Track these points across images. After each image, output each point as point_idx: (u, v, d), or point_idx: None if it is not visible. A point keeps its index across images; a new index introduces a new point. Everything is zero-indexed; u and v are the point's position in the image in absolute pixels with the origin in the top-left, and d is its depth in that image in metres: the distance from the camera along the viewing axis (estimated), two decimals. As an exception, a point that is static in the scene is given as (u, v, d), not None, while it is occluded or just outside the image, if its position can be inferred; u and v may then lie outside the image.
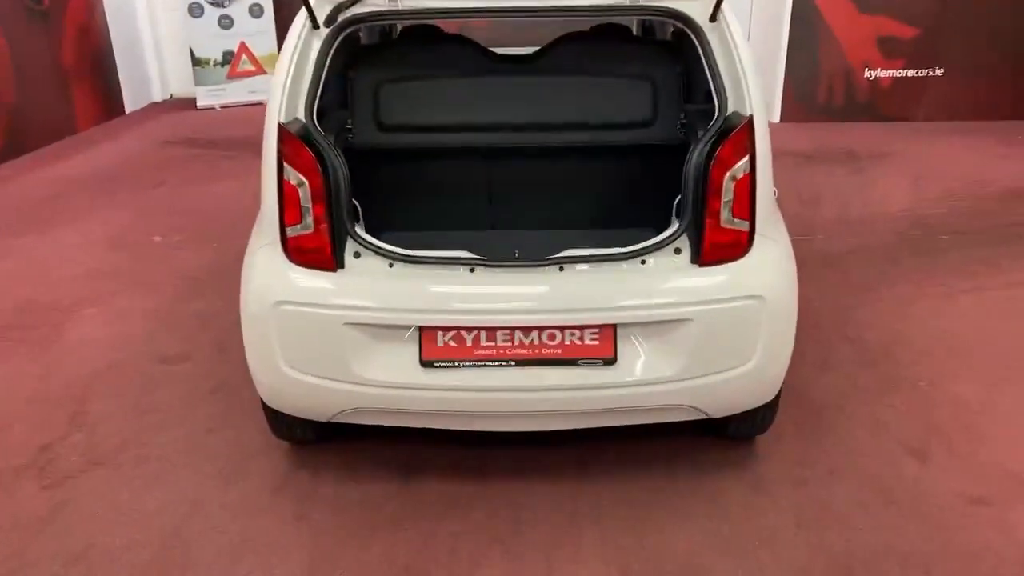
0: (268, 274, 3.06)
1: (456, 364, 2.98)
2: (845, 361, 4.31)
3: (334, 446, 3.63)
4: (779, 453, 3.58)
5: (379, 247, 3.01)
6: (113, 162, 8.53)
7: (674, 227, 3.04)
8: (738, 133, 2.92)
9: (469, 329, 2.97)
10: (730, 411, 3.20)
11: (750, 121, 2.94)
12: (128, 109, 10.57)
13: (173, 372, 4.31)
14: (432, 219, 3.72)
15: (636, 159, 3.57)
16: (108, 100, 10.20)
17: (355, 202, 3.51)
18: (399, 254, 3.00)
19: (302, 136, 2.96)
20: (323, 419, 3.19)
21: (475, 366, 2.98)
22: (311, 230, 2.99)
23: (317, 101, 3.07)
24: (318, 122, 3.09)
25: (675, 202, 3.58)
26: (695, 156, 2.98)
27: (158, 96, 11.26)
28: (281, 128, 2.93)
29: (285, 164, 2.94)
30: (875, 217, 6.60)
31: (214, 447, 3.69)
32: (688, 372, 2.99)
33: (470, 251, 3.30)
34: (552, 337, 2.99)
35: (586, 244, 3.53)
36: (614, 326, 2.97)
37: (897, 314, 4.86)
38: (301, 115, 3.03)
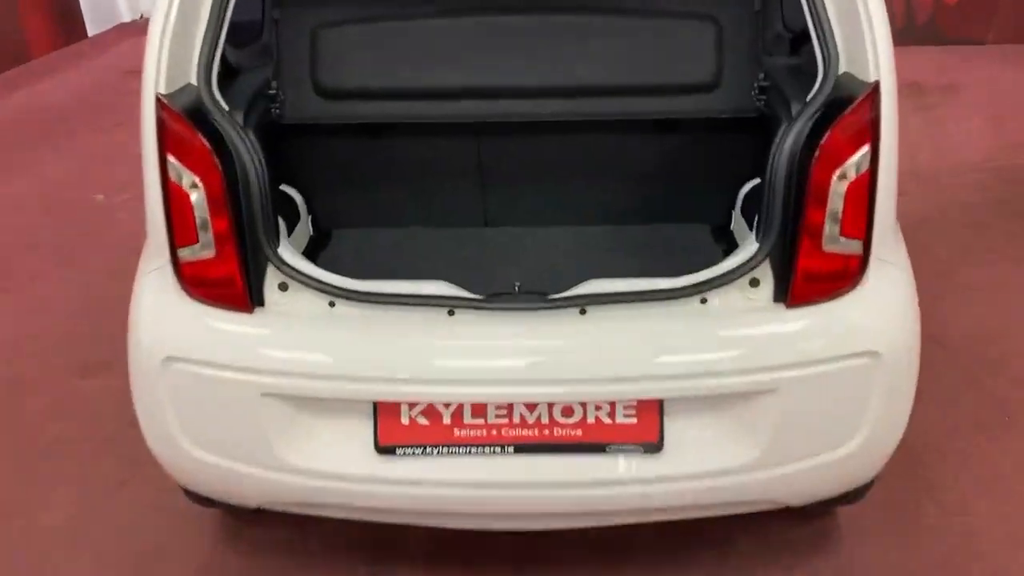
0: (155, 316, 2.11)
1: (427, 450, 2.06)
2: (936, 379, 3.32)
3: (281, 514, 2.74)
4: (870, 529, 2.66)
5: (314, 279, 2.04)
6: (66, 97, 7.47)
7: (750, 249, 2.04)
8: (856, 109, 1.90)
9: (447, 402, 2.02)
10: (818, 499, 2.27)
11: (875, 90, 1.92)
12: (90, 32, 9.39)
13: (87, 390, 3.40)
14: (404, 213, 2.74)
15: (688, 136, 2.55)
16: (66, 21, 9.01)
17: (296, 197, 2.54)
18: (343, 289, 2.04)
19: (193, 113, 1.96)
20: (246, 507, 2.29)
21: (455, 454, 2.05)
22: (212, 253, 2.02)
23: (218, 58, 2.05)
24: (222, 90, 2.09)
25: (740, 194, 2.57)
26: (788, 142, 1.97)
27: (127, 16, 10.02)
28: (161, 103, 1.93)
29: (169, 157, 1.96)
30: (952, 169, 5.49)
31: (124, 512, 2.80)
32: (766, 460, 2.06)
33: (453, 272, 2.36)
34: (569, 412, 2.05)
35: (615, 249, 2.57)
36: (660, 400, 2.02)
37: (992, 304, 3.84)
38: (194, 79, 2.02)
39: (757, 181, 2.53)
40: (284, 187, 2.59)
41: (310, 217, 2.71)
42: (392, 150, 2.58)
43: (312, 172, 2.62)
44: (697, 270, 2.45)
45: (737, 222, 2.60)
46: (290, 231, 2.47)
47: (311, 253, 2.63)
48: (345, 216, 2.74)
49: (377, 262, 2.55)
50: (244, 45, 2.51)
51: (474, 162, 2.61)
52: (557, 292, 2.14)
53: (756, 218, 2.35)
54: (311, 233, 2.70)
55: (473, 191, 2.67)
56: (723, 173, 2.59)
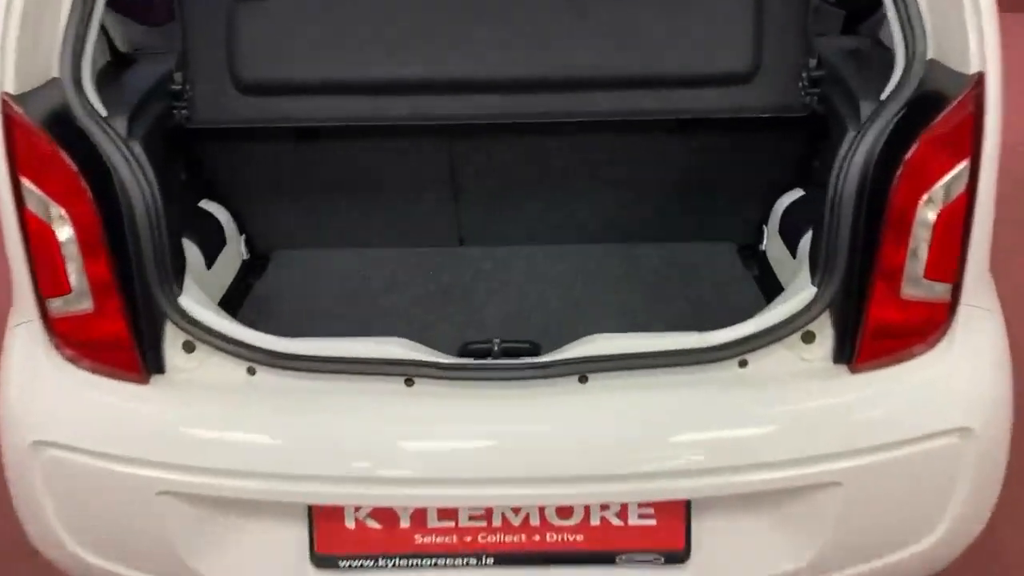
0: (22, 385, 1.60)
1: (379, 562, 1.57)
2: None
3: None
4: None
5: (226, 337, 1.54)
6: None
7: (804, 295, 1.55)
8: (953, 112, 1.41)
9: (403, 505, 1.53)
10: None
11: (978, 85, 1.42)
12: None
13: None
14: (358, 231, 2.23)
15: (712, 138, 2.04)
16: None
17: (221, 215, 2.04)
18: (266, 352, 1.54)
19: (55, 121, 1.45)
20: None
21: (416, 566, 1.57)
22: (90, 305, 1.52)
23: (92, 41, 1.53)
24: (106, 85, 1.57)
25: (776, 208, 2.08)
26: (860, 154, 1.47)
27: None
28: (7, 106, 1.41)
29: (24, 181, 1.45)
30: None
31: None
32: (819, 567, 1.58)
33: (416, 310, 1.87)
34: (566, 514, 1.56)
35: (621, 277, 2.08)
36: (686, 501, 1.53)
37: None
38: (56, 72, 1.50)
39: (798, 193, 2.03)
40: (206, 203, 2.08)
41: (243, 237, 2.20)
42: (341, 157, 2.07)
43: (241, 184, 2.11)
44: (727, 302, 2.03)
45: (771, 240, 2.10)
46: (213, 259, 1.96)
47: (243, 283, 2.12)
48: (286, 236, 2.23)
49: (321, 296, 2.05)
50: (155, 23, 1.98)
51: (445, 170, 2.10)
52: (549, 345, 1.65)
53: (802, 244, 1.86)
54: (244, 257, 2.20)
55: (444, 204, 2.17)
56: (755, 182, 2.09)
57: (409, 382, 1.53)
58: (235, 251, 2.15)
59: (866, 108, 1.50)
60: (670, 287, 2.06)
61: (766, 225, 2.17)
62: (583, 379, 1.53)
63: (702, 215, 2.18)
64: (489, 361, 1.55)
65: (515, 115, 1.87)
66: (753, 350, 1.53)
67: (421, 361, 1.53)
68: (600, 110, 1.85)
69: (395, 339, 1.60)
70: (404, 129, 1.94)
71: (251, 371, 1.56)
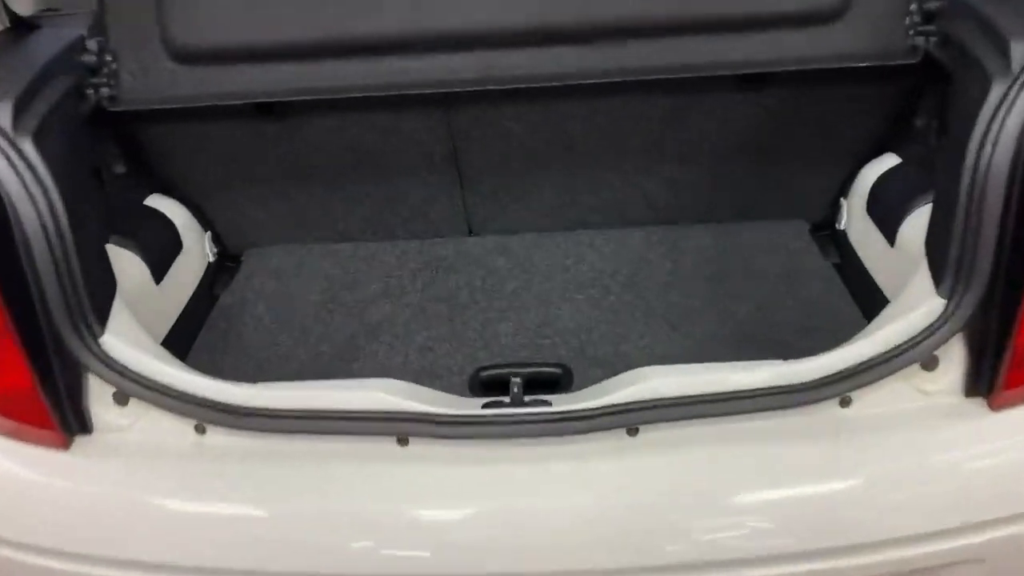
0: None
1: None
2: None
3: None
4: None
5: (164, 388, 1.18)
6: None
7: (927, 307, 1.15)
8: None
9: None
10: None
11: None
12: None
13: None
14: (346, 222, 1.83)
15: (781, 93, 1.59)
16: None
17: (174, 213, 1.69)
18: (216, 405, 1.18)
19: None
20: None
21: None
22: (-21, 351, 1.16)
23: None
24: None
25: (862, 180, 1.68)
26: (1012, 114, 1.05)
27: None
28: None
29: None
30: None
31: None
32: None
33: (414, 327, 1.53)
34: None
35: (666, 270, 1.70)
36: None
37: None
38: None
39: (891, 160, 1.61)
40: (156, 199, 1.70)
41: (209, 235, 1.83)
42: (317, 135, 1.67)
43: (199, 173, 1.73)
44: (805, 300, 1.60)
45: (852, 219, 1.70)
46: (164, 270, 1.59)
47: (207, 294, 1.75)
48: (259, 231, 1.85)
49: (298, 307, 1.68)
50: None
51: (444, 146, 1.70)
52: (582, 370, 1.29)
53: (904, 229, 1.45)
54: (211, 259, 1.83)
55: (446, 187, 1.77)
56: (833, 146, 1.67)
57: (403, 441, 1.17)
58: (197, 254, 1.77)
59: (1021, 51, 1.08)
60: (731, 282, 1.66)
61: (844, 199, 1.75)
62: (632, 431, 1.16)
63: (765, 188, 1.76)
64: (506, 412, 1.17)
65: (529, 76, 1.45)
66: (859, 386, 1.14)
67: (417, 414, 1.16)
68: (641, 66, 1.43)
69: (383, 382, 1.23)
70: (390, 99, 1.54)
71: (200, 429, 1.20)
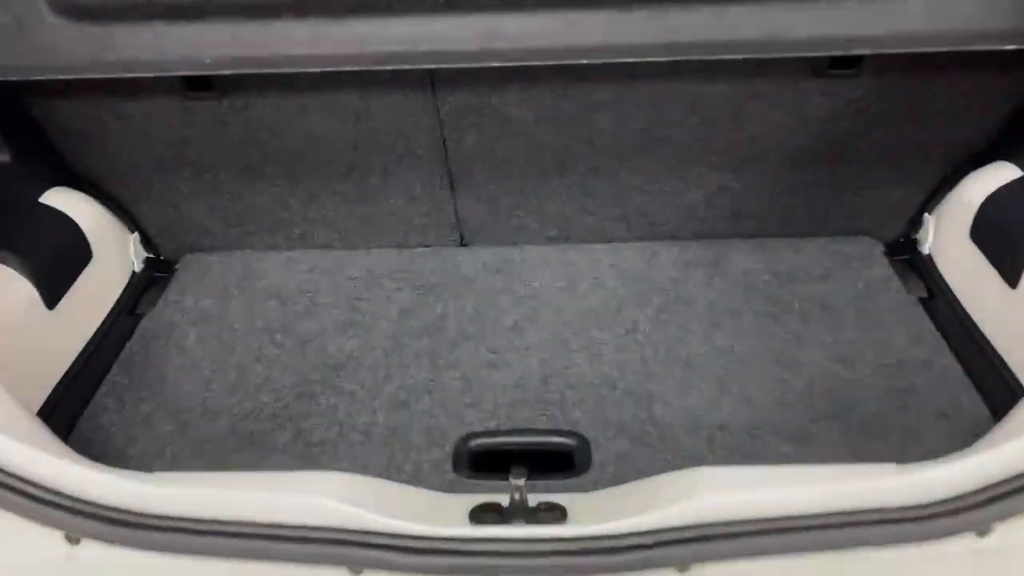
0: None
1: None
2: None
3: None
4: None
5: (19, 483, 0.82)
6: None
7: None
8: None
9: None
10: None
11: None
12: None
13: None
14: (307, 225, 1.47)
15: (866, 81, 1.22)
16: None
17: (82, 211, 1.33)
18: (94, 509, 0.82)
19: None
20: None
21: None
22: None
23: None
24: None
25: (964, 192, 1.32)
26: None
27: None
28: None
29: None
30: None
31: None
32: None
33: (379, 405, 1.18)
34: None
35: (704, 301, 1.36)
36: None
37: None
38: None
39: (1007, 171, 1.25)
40: (60, 193, 1.33)
41: (135, 237, 1.47)
42: (271, 117, 1.29)
43: (118, 159, 1.35)
44: (890, 351, 1.22)
45: (943, 241, 1.34)
46: (62, 288, 1.22)
47: (125, 320, 1.39)
48: (199, 233, 1.48)
49: (238, 340, 1.32)
50: None
51: (430, 135, 1.33)
52: (603, 438, 0.99)
53: None
54: (137, 268, 1.46)
55: (431, 186, 1.40)
56: (930, 149, 1.31)
57: (356, 572, 0.82)
58: (114, 265, 1.41)
59: None
60: (791, 321, 1.30)
61: (929, 214, 1.40)
62: (683, 568, 0.81)
63: (831, 196, 1.40)
64: (503, 534, 0.83)
65: (542, 51, 1.08)
66: (1018, 513, 0.80)
67: (378, 534, 0.81)
68: (691, 41, 1.06)
69: (332, 478, 0.88)
70: (361, 75, 1.17)
71: (72, 540, 0.85)
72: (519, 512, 0.86)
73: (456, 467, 1.10)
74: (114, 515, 0.84)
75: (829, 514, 0.82)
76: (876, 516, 0.81)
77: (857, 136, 1.29)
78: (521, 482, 0.87)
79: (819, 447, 1.11)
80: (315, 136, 1.32)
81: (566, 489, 1.06)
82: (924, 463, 0.86)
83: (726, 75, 1.20)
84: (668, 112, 1.25)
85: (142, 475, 0.89)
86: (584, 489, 1.06)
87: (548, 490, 1.06)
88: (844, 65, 1.18)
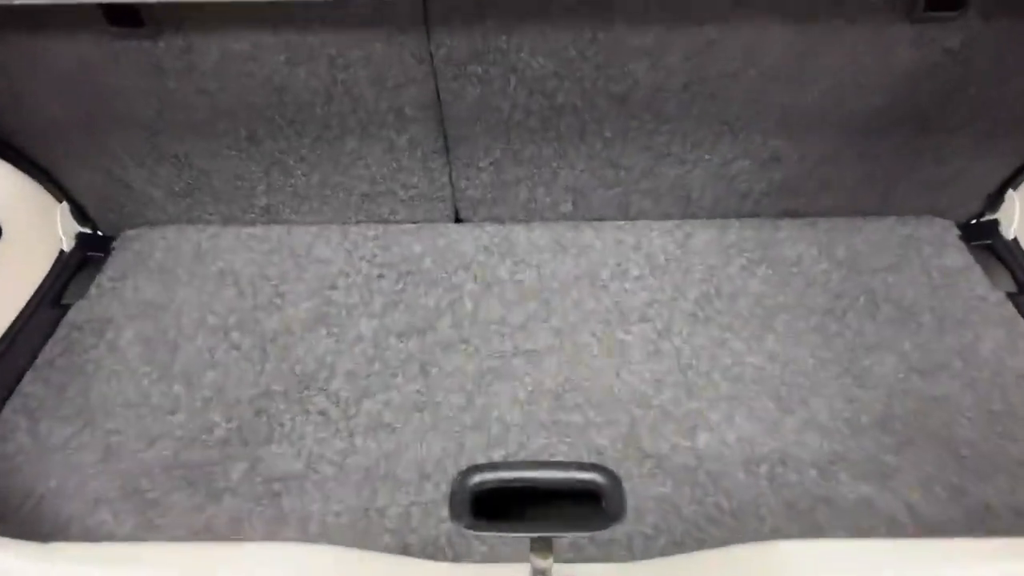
0: None
1: None
2: None
3: None
4: None
5: None
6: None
7: None
8: None
9: None
10: None
11: None
12: None
13: None
14: (272, 196, 1.22)
15: (993, 22, 0.99)
16: None
17: None
18: None
19: None
20: None
21: None
22: None
23: None
24: None
25: None
26: None
27: None
28: None
29: None
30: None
31: None
32: None
33: (357, 429, 0.94)
34: None
35: (754, 285, 1.12)
36: None
37: None
38: None
39: None
40: None
41: (65, 208, 1.21)
42: (222, 63, 1.04)
43: (29, 112, 1.10)
44: (978, 361, 0.99)
45: None
46: None
47: (48, 311, 1.14)
48: (141, 203, 1.23)
49: (186, 336, 1.07)
50: None
51: (421, 88, 1.08)
52: (636, 473, 0.81)
53: None
54: (66, 245, 1.21)
55: (422, 149, 1.15)
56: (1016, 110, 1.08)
57: None
58: (33, 243, 1.15)
59: None
60: (856, 320, 1.08)
61: (1014, 190, 1.17)
62: None
63: (901, 169, 1.17)
64: None
65: None
66: None
67: None
68: None
69: (295, 553, 0.65)
70: (334, 10, 0.91)
71: None
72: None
73: (454, 512, 0.87)
74: None
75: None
76: None
77: (948, 95, 1.05)
78: (548, 563, 0.64)
79: (905, 485, 0.89)
80: (276, 87, 1.06)
81: (594, 543, 0.84)
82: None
83: (796, 18, 0.95)
84: (720, 63, 1.00)
85: (32, 548, 0.66)
86: (617, 545, 0.84)
87: (572, 546, 0.84)
88: (945, 6, 0.94)
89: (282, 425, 0.97)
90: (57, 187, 1.21)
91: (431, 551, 0.84)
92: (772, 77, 1.02)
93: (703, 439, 0.94)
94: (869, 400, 0.98)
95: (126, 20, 0.97)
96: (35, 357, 1.07)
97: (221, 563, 0.65)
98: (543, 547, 0.66)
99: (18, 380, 1.04)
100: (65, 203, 1.24)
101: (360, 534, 0.86)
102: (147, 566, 0.64)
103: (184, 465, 0.93)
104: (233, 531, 0.86)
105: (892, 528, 0.85)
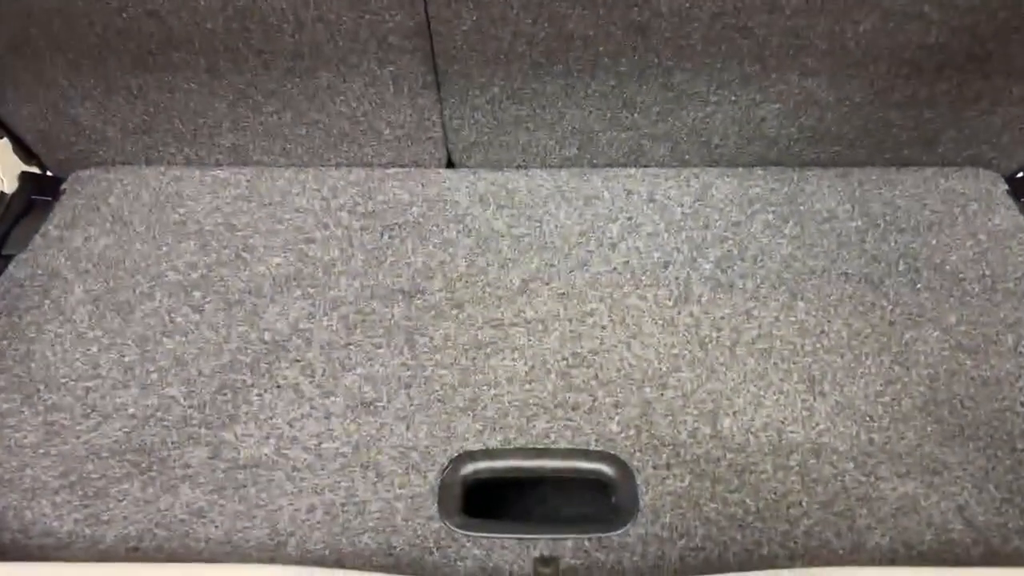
0: None
1: None
2: None
3: None
4: None
5: None
6: None
7: None
8: None
9: None
10: None
11: None
12: None
13: None
14: (239, 134, 1.09)
15: None
16: None
17: None
18: None
19: None
20: None
21: None
22: None
23: None
24: None
25: None
26: None
27: None
28: None
29: None
30: None
31: None
32: None
33: (339, 414, 0.82)
34: None
35: (781, 242, 1.00)
36: None
37: None
38: None
39: None
40: None
41: (4, 143, 1.07)
42: None
43: None
44: None
45: None
46: None
47: None
48: (93, 140, 1.09)
49: (142, 294, 0.95)
50: None
51: (407, 13, 0.93)
52: (649, 483, 0.73)
53: None
54: (6, 187, 1.07)
55: (409, 84, 1.01)
56: None
57: None
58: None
59: None
60: (896, 286, 0.96)
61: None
62: None
63: (944, 116, 1.03)
64: None
65: None
66: None
67: None
68: None
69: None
70: None
71: None
72: None
73: (443, 509, 0.77)
74: None
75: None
76: None
77: (1012, 32, 0.91)
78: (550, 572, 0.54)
79: (954, 484, 0.79)
80: (239, 10, 0.91)
81: (603, 547, 0.74)
82: None
83: None
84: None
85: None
86: (628, 549, 0.74)
87: (576, 549, 0.74)
88: None
89: (249, 403, 0.85)
90: None
91: (417, 553, 0.74)
92: (815, 9, 0.88)
93: (726, 425, 0.83)
94: (911, 382, 0.87)
95: None
96: None
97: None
98: (549, 565, 0.55)
99: None
100: (6, 139, 1.09)
101: (336, 533, 0.75)
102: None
103: (137, 449, 0.82)
104: (191, 528, 0.76)
105: (940, 533, 0.76)
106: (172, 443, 0.82)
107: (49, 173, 1.16)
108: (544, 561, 0.60)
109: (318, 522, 0.76)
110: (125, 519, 0.76)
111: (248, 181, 1.10)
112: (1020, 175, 1.14)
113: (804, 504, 0.77)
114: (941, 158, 1.11)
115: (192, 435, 0.83)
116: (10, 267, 1.01)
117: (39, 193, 1.12)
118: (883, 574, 0.60)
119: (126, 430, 0.83)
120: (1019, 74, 0.99)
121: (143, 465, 0.80)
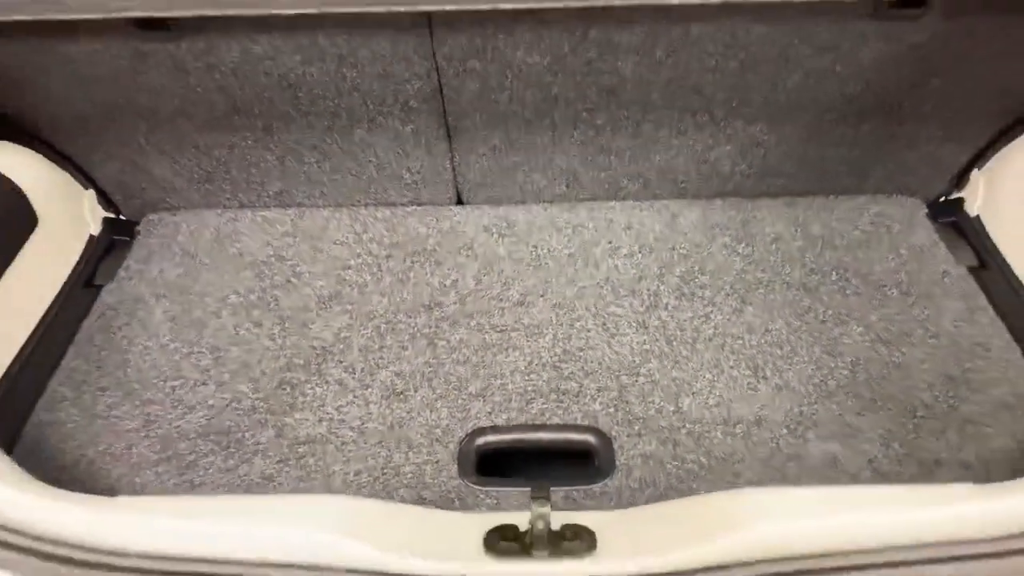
0: None
1: None
2: None
3: None
4: None
5: None
6: None
7: None
8: None
9: None
10: None
11: None
12: None
13: None
14: (285, 182, 1.31)
15: (955, 20, 1.07)
16: None
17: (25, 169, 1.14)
18: (22, 547, 0.70)
19: None
20: None
21: None
22: None
23: None
24: None
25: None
26: None
27: None
28: None
29: None
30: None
31: None
32: None
33: (372, 393, 1.04)
34: None
35: (734, 262, 1.22)
36: None
37: None
38: None
39: None
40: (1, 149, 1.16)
41: (91, 195, 1.30)
42: (239, 62, 1.12)
43: (60, 107, 1.18)
44: (940, 330, 1.10)
45: (1001, 205, 1.21)
46: (6, 256, 1.07)
47: (81, 283, 1.24)
48: (162, 189, 1.32)
49: (212, 313, 1.17)
50: None
51: (424, 81, 1.16)
52: (624, 446, 0.89)
53: None
54: (95, 230, 1.30)
55: (425, 137, 1.24)
56: (993, 100, 1.16)
57: None
58: (64, 227, 1.24)
59: None
60: (829, 294, 1.17)
61: (979, 168, 1.26)
62: None
63: (872, 151, 1.25)
64: (522, 570, 0.71)
65: None
66: None
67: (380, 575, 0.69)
68: None
69: (327, 502, 0.75)
70: (343, 16, 1.00)
71: None
72: (541, 540, 0.75)
73: (462, 470, 0.97)
74: (45, 554, 0.71)
75: (898, 548, 0.71)
76: (950, 551, 0.71)
77: (914, 86, 1.14)
78: (546, 511, 0.74)
79: (867, 443, 0.99)
80: (291, 83, 1.15)
81: (587, 496, 0.95)
82: (1004, 485, 0.75)
83: (773, 15, 1.04)
84: (703, 58, 1.09)
85: (102, 502, 0.76)
86: (607, 497, 0.94)
87: (567, 499, 0.94)
88: (910, 3, 1.02)
89: (304, 395, 1.07)
90: (83, 175, 1.30)
91: (443, 503, 0.94)
92: (751, 70, 1.11)
93: (686, 403, 1.04)
94: (836, 367, 1.08)
95: (153, 25, 1.05)
96: (74, 334, 1.16)
97: (272, 508, 0.76)
98: (542, 498, 0.76)
99: (61, 356, 1.13)
100: (91, 190, 1.32)
101: (379, 490, 0.96)
102: (205, 514, 0.74)
103: (216, 432, 1.03)
104: (264, 490, 0.97)
105: (854, 481, 0.96)
106: (245, 426, 1.03)
107: (123, 217, 1.39)
108: (538, 494, 0.79)
109: (364, 483, 0.97)
110: (212, 483, 0.97)
111: (293, 220, 1.33)
112: (939, 200, 1.36)
113: (746, 461, 0.97)
114: (872, 187, 1.33)
115: (260, 420, 1.04)
116: (102, 294, 1.23)
117: (118, 234, 1.35)
118: (770, 492, 0.80)
119: (208, 418, 1.05)
120: (926, 119, 1.21)
121: (223, 443, 1.01)
